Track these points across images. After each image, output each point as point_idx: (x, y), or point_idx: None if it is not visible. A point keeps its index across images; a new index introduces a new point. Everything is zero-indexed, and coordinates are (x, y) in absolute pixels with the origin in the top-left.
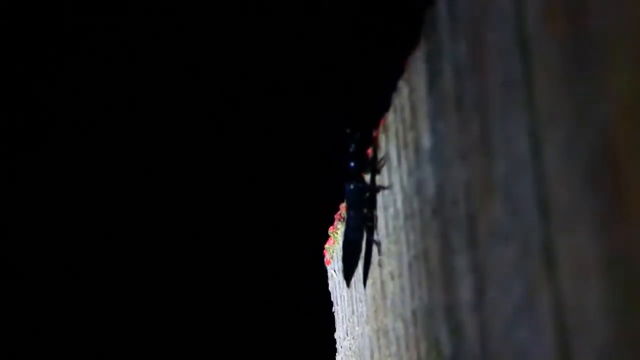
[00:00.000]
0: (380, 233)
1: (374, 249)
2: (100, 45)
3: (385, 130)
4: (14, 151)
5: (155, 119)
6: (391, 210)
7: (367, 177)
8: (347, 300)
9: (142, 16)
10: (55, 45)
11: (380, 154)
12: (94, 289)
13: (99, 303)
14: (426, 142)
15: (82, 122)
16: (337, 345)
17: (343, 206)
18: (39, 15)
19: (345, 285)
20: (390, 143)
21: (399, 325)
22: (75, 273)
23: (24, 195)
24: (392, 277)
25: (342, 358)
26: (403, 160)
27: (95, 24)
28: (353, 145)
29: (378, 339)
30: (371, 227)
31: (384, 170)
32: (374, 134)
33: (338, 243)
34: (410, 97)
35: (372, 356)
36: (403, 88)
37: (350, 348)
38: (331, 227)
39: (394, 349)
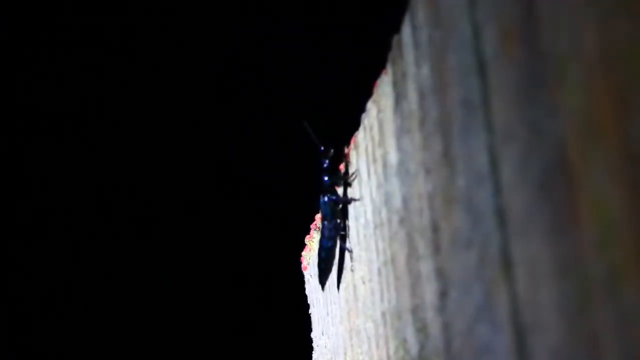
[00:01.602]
0: (352, 241)
1: (347, 255)
2: (100, 45)
3: (356, 147)
4: (13, 150)
5: (139, 120)
6: (362, 220)
7: (340, 190)
8: (322, 303)
9: (142, 16)
10: (54, 44)
11: (352, 169)
12: (89, 289)
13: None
14: (393, 157)
15: (81, 121)
16: (314, 344)
17: (318, 217)
18: (38, 14)
19: (320, 289)
20: (360, 159)
21: (370, 325)
22: (75, 273)
23: (23, 194)
24: (363, 282)
25: (318, 355)
26: (372, 175)
27: (95, 24)
28: (327, 162)
29: (351, 338)
30: (344, 236)
31: (355, 184)
32: (346, 151)
33: (314, 251)
34: (378, 117)
35: (345, 354)
36: (372, 109)
37: (325, 346)
38: (308, 236)
39: (365, 347)
